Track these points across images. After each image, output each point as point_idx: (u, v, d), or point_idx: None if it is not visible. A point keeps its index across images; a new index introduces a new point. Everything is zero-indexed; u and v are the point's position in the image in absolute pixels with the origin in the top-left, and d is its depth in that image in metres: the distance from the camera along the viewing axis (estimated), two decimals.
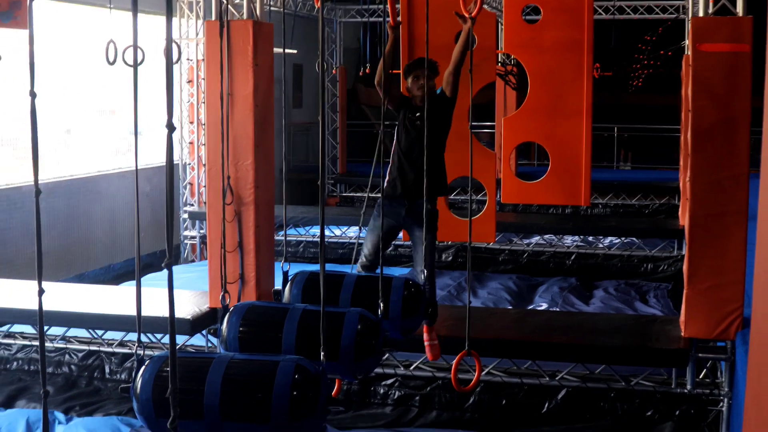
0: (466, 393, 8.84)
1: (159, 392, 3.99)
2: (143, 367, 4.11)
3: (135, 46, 3.55)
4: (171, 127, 2.79)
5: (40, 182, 10.89)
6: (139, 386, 4.06)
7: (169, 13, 3.00)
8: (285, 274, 5.87)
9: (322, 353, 4.06)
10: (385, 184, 7.52)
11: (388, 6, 7.81)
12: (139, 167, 12.42)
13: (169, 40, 3.12)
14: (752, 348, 3.82)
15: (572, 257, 15.56)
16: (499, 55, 14.70)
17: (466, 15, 7.27)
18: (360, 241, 10.15)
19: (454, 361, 6.77)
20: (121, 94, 15.98)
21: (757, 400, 3.46)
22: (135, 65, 3.60)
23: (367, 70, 16.74)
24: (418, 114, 7.49)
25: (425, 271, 6.97)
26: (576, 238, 16.25)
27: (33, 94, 3.18)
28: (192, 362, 4.13)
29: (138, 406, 4.06)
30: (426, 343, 7.51)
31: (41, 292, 3.17)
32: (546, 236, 16.02)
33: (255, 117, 8.56)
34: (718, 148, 7.92)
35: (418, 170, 7.26)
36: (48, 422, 3.46)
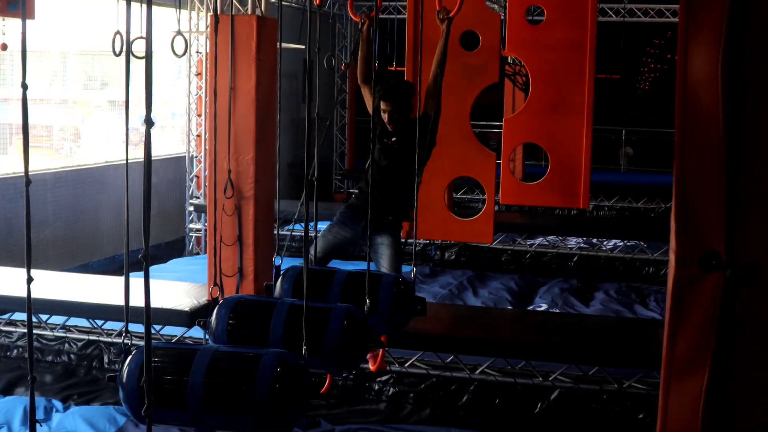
0: (459, 392, 8.93)
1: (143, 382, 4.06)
2: (129, 357, 4.18)
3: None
4: (149, 122, 2.84)
5: (48, 171, 11.05)
6: (125, 375, 4.13)
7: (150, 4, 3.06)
8: (277, 268, 5.94)
9: (304, 347, 4.13)
10: (355, 195, 7.59)
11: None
12: (141, 159, 12.43)
13: (149, 32, 3.18)
14: None
15: (575, 259, 15.62)
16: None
17: (443, 15, 7.28)
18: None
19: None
20: (133, 85, 16.05)
21: None
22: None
23: (376, 67, 16.77)
24: (393, 139, 7.52)
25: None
26: (579, 239, 16.30)
27: (24, 86, 3.25)
28: (177, 353, 4.21)
29: (123, 395, 4.13)
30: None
31: (29, 280, 3.24)
32: (549, 237, 16.08)
33: (257, 112, 8.63)
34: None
35: (391, 194, 7.47)
36: (35, 407, 3.54)
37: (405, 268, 8.05)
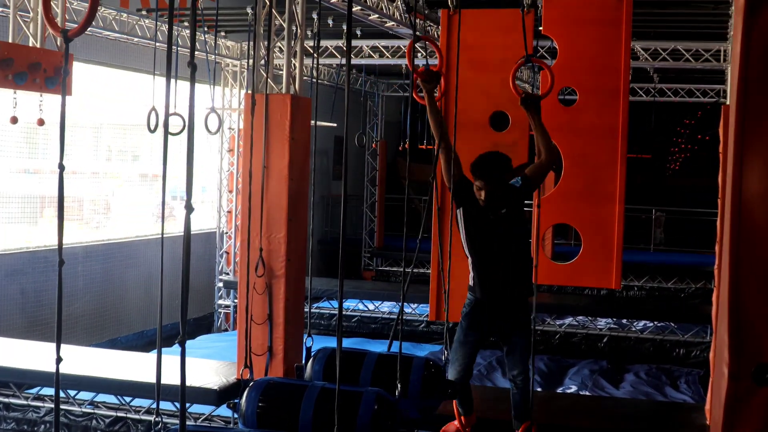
0: None
1: None
2: None
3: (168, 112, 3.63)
4: (189, 208, 2.85)
5: (79, 245, 11.08)
6: None
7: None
8: (308, 349, 5.92)
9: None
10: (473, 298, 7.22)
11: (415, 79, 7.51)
12: (177, 234, 12.60)
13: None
14: None
15: (604, 340, 15.51)
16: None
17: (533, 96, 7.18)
18: (392, 315, 10.18)
19: None
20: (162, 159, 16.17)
21: None
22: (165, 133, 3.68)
23: (406, 145, 16.86)
24: (503, 211, 7.03)
25: (521, 376, 7.03)
26: (609, 320, 16.18)
27: (61, 167, 3.27)
28: None
29: None
30: None
31: (59, 360, 3.22)
32: (579, 318, 15.98)
33: (289, 190, 8.64)
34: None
35: (503, 273, 7.04)
36: None
37: (433, 348, 7.93)
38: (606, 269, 9.51)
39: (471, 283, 7.07)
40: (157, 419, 4.25)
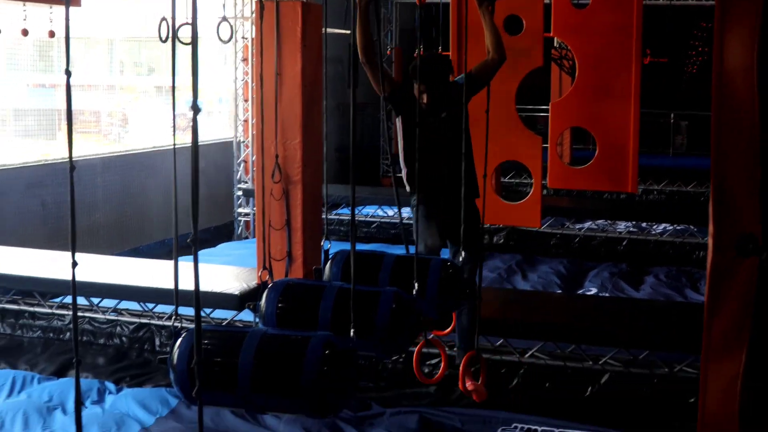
0: (509, 375, 8.94)
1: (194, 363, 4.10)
2: (180, 339, 4.22)
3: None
4: (196, 109, 2.87)
5: (97, 156, 11.15)
6: (175, 358, 4.17)
7: None
8: (326, 252, 5.96)
9: (351, 330, 4.15)
10: (408, 182, 7.29)
11: None
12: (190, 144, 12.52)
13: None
14: None
15: (624, 243, 15.52)
16: (555, 39, 14.67)
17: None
18: (408, 221, 10.21)
19: (461, 365, 6.87)
20: (179, 70, 16.15)
21: None
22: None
23: (421, 52, 16.76)
24: (443, 115, 7.14)
25: (464, 252, 6.81)
26: (629, 224, 16.20)
27: (68, 73, 3.27)
28: (227, 335, 4.24)
29: (174, 377, 4.18)
30: (470, 388, 7.41)
31: (74, 264, 3.26)
32: (598, 221, 16.00)
33: (303, 97, 8.65)
34: None
35: (446, 177, 7.15)
36: (80, 389, 3.58)
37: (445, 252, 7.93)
38: (622, 172, 9.53)
39: (409, 189, 7.16)
40: (176, 324, 4.33)
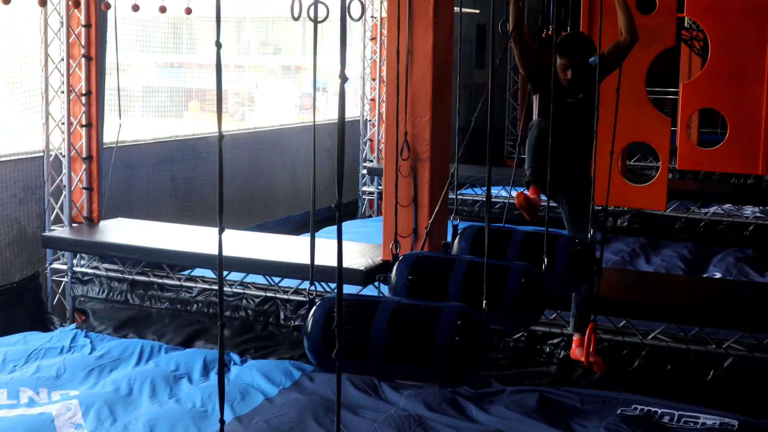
0: (631, 356, 8.92)
1: (328, 331, 4.20)
2: (314, 308, 4.33)
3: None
4: (344, 78, 2.96)
5: (227, 133, 11.28)
6: (309, 325, 4.28)
7: None
8: (455, 227, 6.03)
9: (484, 301, 4.21)
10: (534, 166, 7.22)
11: None
12: (320, 122, 12.85)
13: None
14: None
15: (750, 228, 15.29)
16: (686, 19, 14.51)
17: None
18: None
19: (587, 334, 6.86)
20: (306, 50, 16.36)
21: None
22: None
23: (549, 32, 16.70)
24: (580, 96, 7.13)
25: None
26: (756, 209, 15.95)
27: (218, 45, 3.37)
28: (360, 304, 4.33)
29: (308, 344, 4.28)
30: (591, 360, 7.38)
31: (222, 230, 3.37)
32: (725, 206, 15.79)
33: (434, 74, 8.70)
34: None
35: (572, 158, 7.18)
36: (224, 352, 3.70)
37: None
38: (752, 154, 9.43)
39: None
40: (311, 290, 4.44)
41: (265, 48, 17.80)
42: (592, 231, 6.36)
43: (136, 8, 9.50)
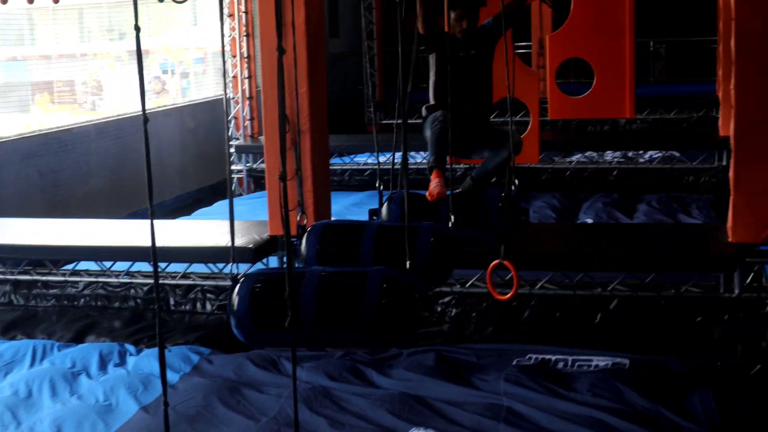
0: (520, 308, 9.10)
1: (255, 306, 4.25)
2: (238, 285, 4.36)
3: None
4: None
5: (90, 123, 11.12)
6: (236, 303, 4.31)
7: None
8: (380, 193, 6.15)
9: (408, 262, 4.29)
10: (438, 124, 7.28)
11: None
12: (183, 104, 12.75)
13: None
14: None
15: (614, 173, 15.73)
16: None
17: None
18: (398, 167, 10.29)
19: (488, 270, 6.91)
20: (152, 34, 16.24)
21: None
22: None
23: None
24: (472, 52, 7.26)
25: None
26: (617, 154, 16.38)
27: (137, 28, 3.38)
28: (284, 277, 4.37)
29: (236, 321, 4.31)
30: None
31: (152, 214, 3.38)
32: (587, 153, 16.17)
33: (308, 45, 8.71)
34: (763, 55, 8.05)
35: (473, 116, 7.32)
36: (164, 346, 3.71)
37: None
38: (619, 99, 9.70)
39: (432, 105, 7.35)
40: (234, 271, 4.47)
41: (110, 34, 17.52)
42: (516, 183, 6.49)
43: (4, 1, 9.29)
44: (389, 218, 5.85)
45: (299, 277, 4.26)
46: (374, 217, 5.93)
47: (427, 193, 6.69)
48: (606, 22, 9.44)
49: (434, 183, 6.84)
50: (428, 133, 7.19)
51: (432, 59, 7.41)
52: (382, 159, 15.76)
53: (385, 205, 6.04)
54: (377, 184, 6.16)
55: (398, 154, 6.12)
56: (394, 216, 5.85)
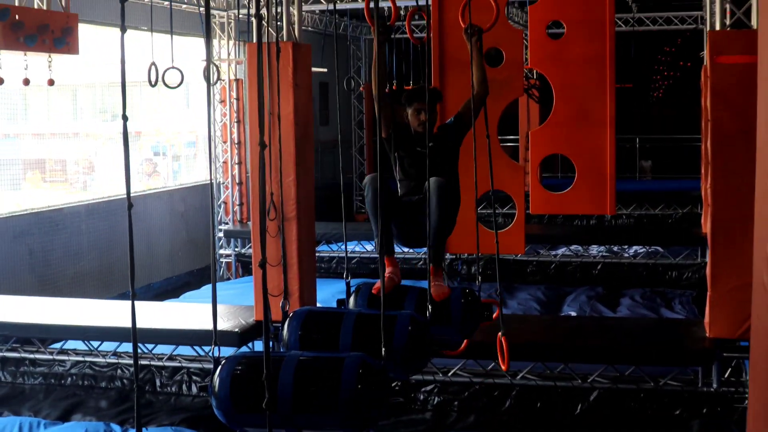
0: (502, 397, 9.20)
1: (235, 388, 4.37)
2: (219, 367, 4.49)
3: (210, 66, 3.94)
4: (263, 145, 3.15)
5: (81, 204, 11.29)
6: (217, 384, 4.43)
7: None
8: (348, 284, 6.28)
9: (383, 349, 4.43)
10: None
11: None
12: (174, 188, 12.97)
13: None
14: (753, 350, 4.08)
15: (598, 267, 15.90)
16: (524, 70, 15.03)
17: (473, 30, 7.00)
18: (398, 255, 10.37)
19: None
20: (145, 115, 16.45)
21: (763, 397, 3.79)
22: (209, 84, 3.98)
23: (393, 87, 17.07)
24: (431, 144, 7.21)
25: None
26: (602, 248, 16.57)
27: (125, 118, 3.54)
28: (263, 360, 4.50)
29: (217, 403, 4.42)
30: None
31: (134, 295, 3.51)
32: (572, 247, 16.36)
33: (296, 135, 8.92)
34: (737, 155, 8.26)
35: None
36: (141, 416, 3.83)
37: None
38: (600, 196, 9.85)
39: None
40: (215, 354, 4.57)
41: (103, 115, 17.70)
42: (480, 279, 6.59)
43: (27, 83, 9.52)
44: (355, 308, 5.98)
45: (278, 360, 4.39)
46: (342, 307, 6.05)
47: (373, 288, 6.51)
48: (587, 119, 9.63)
49: (386, 273, 6.79)
50: (367, 204, 7.13)
51: (394, 159, 7.40)
52: (369, 248, 16.01)
53: (352, 297, 6.19)
54: (345, 275, 6.30)
55: None
56: (359, 307, 6.00)
